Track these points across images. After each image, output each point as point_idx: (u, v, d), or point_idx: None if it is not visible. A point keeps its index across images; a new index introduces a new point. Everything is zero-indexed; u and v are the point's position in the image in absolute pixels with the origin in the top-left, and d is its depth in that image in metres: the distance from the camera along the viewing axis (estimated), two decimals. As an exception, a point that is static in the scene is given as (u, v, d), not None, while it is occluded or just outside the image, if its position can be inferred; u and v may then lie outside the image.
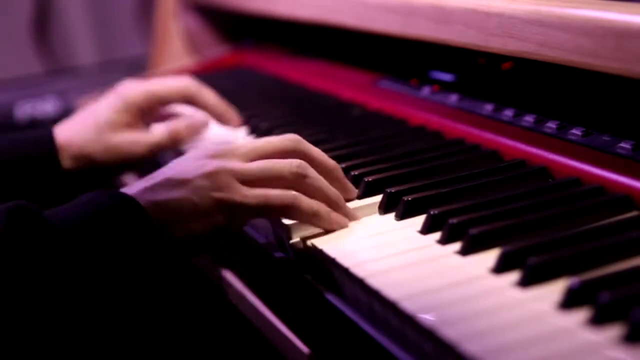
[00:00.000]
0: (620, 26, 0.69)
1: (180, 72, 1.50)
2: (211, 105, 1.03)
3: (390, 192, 0.77)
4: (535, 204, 0.70)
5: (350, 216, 0.76)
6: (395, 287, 0.61)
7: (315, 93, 1.19)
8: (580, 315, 0.55)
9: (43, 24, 2.36)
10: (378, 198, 0.78)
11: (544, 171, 0.78)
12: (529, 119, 0.85)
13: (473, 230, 0.65)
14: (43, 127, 1.07)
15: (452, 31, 0.90)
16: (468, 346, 0.53)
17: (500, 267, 0.62)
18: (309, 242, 0.72)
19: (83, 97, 1.52)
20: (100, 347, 0.95)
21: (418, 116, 0.98)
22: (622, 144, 0.74)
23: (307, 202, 0.73)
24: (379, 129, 0.98)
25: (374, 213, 0.77)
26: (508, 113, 0.89)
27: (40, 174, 0.96)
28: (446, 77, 1.05)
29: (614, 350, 0.51)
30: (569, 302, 0.56)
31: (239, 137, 1.07)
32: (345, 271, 0.66)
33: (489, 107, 0.92)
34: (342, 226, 0.74)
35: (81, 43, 2.40)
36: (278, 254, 0.78)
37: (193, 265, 1.03)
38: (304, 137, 0.80)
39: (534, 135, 0.83)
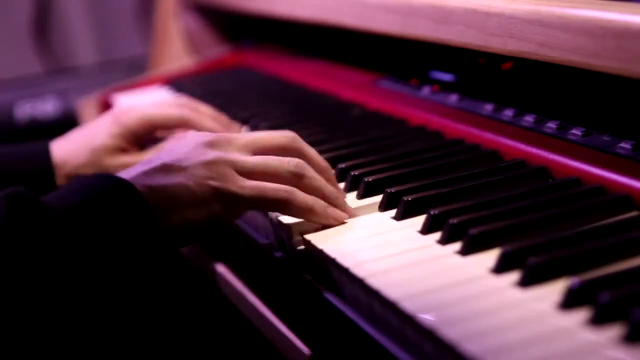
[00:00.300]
0: (620, 26, 0.69)
1: (180, 72, 1.50)
2: (209, 129, 1.01)
3: (390, 192, 0.77)
4: (535, 204, 0.70)
5: (349, 213, 0.76)
6: (395, 287, 0.61)
7: (315, 93, 1.19)
8: (580, 315, 0.55)
9: (43, 24, 2.36)
10: (378, 198, 0.78)
11: (544, 171, 0.78)
12: (529, 119, 0.85)
13: (473, 230, 0.66)
14: (41, 136, 1.06)
15: (452, 31, 0.90)
16: (468, 346, 0.53)
17: (500, 267, 0.62)
18: (307, 236, 0.72)
19: (83, 97, 1.53)
20: (97, 343, 0.95)
21: (418, 116, 0.98)
22: (622, 144, 0.74)
23: (302, 197, 0.74)
24: (379, 129, 0.98)
25: (374, 213, 0.77)
26: (508, 113, 0.89)
27: (35, 190, 0.96)
28: (446, 77, 1.05)
29: (614, 350, 0.51)
30: (569, 302, 0.56)
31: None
32: (345, 271, 0.66)
33: (489, 107, 0.92)
34: (339, 220, 0.74)
35: (81, 43, 2.40)
36: (278, 254, 0.78)
37: (193, 265, 1.03)
38: (304, 137, 0.80)
39: (534, 135, 0.83)
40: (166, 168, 0.73)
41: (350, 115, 1.07)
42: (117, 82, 1.56)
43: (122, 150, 0.99)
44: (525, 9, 0.80)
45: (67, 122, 1.94)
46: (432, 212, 0.70)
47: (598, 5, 0.73)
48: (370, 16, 1.05)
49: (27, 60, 2.33)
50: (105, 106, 1.42)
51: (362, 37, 1.13)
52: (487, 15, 0.84)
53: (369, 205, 0.78)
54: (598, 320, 0.53)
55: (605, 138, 0.77)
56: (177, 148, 0.76)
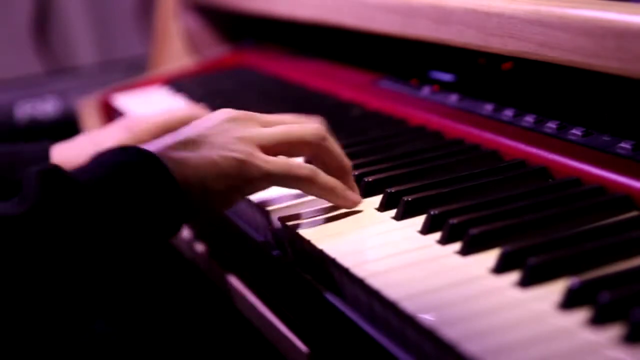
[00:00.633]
0: (620, 26, 0.69)
1: (180, 72, 1.50)
2: None
3: (390, 192, 0.77)
4: (535, 204, 0.70)
5: (357, 195, 0.77)
6: (395, 287, 0.61)
7: (315, 93, 1.19)
8: (580, 315, 0.55)
9: (43, 24, 2.36)
10: (378, 198, 0.78)
11: (544, 171, 0.78)
12: (529, 119, 0.85)
13: (473, 230, 0.66)
14: (41, 136, 1.06)
15: (452, 31, 0.90)
16: (468, 346, 0.53)
17: (500, 267, 0.62)
18: (307, 236, 0.72)
19: (83, 97, 1.53)
20: (98, 343, 0.95)
21: (418, 116, 0.98)
22: (622, 144, 0.74)
23: (325, 176, 0.75)
24: (379, 129, 0.98)
25: (374, 213, 0.77)
26: (508, 113, 0.89)
27: None
28: (446, 77, 1.05)
29: (614, 350, 0.51)
30: (569, 302, 0.56)
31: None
32: (345, 271, 0.66)
33: (489, 107, 0.92)
34: (356, 204, 0.76)
35: (81, 43, 2.41)
36: (276, 252, 0.78)
37: (193, 265, 1.03)
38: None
39: (534, 135, 0.83)
40: (191, 141, 0.74)
41: (350, 115, 1.07)
42: (117, 82, 1.56)
43: None
44: (525, 9, 0.80)
45: (67, 122, 1.94)
46: (432, 212, 0.70)
47: (598, 5, 0.73)
48: (370, 16, 1.05)
49: (27, 60, 2.33)
50: (105, 106, 1.42)
51: (362, 37, 1.13)
52: (487, 15, 0.84)
53: (369, 206, 0.78)
54: (598, 320, 0.53)
55: (605, 138, 0.77)
56: (201, 123, 0.76)
